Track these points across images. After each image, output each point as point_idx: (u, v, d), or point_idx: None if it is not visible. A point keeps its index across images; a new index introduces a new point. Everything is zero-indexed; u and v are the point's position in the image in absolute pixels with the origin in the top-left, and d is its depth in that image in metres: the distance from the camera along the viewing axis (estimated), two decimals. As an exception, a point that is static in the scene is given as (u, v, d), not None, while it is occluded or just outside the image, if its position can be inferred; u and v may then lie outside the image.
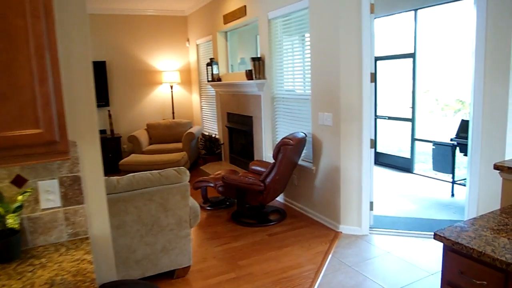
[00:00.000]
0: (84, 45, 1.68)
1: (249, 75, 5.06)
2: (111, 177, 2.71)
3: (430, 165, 7.70)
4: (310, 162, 4.32)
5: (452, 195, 5.25)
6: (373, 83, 3.72)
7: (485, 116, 3.36)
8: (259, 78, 4.98)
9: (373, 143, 3.79)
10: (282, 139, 3.89)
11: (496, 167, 2.00)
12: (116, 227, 2.66)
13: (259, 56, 5.04)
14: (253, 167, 4.68)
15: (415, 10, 6.05)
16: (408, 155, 6.81)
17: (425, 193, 5.43)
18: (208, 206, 4.76)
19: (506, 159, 3.36)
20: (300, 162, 4.39)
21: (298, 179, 4.51)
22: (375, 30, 3.69)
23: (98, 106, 7.09)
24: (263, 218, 4.23)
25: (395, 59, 6.83)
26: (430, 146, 8.30)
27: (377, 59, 6.40)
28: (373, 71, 3.70)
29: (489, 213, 1.83)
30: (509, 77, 3.24)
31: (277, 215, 4.38)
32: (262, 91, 5.05)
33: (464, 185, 5.47)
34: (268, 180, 3.91)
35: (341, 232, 3.89)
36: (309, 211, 4.37)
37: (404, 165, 6.65)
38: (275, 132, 5.05)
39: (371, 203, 3.90)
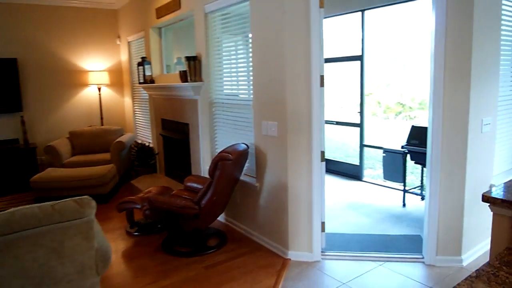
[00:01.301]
0: None
1: (183, 76, 4.42)
2: (-20, 216, 1.97)
3: (378, 171, 7.48)
4: (253, 177, 3.77)
5: (404, 205, 4.95)
6: (323, 88, 3.25)
7: (446, 123, 3.00)
8: (195, 80, 4.36)
9: (324, 156, 3.32)
10: (220, 152, 3.30)
11: (485, 199, 1.55)
12: (-14, 285, 1.93)
13: (194, 55, 4.42)
14: (189, 184, 4.05)
15: (362, 10, 5.73)
16: (357, 162, 6.51)
17: (376, 203, 5.09)
18: (135, 232, 4.05)
19: (467, 169, 3.03)
20: (242, 177, 3.82)
21: (240, 197, 3.95)
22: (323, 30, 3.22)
23: (7, 111, 6.10)
24: (200, 245, 3.61)
25: (342, 62, 6.49)
26: (376, 151, 8.13)
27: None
28: (323, 74, 3.23)
29: (486, 266, 1.36)
30: (470, 83, 2.90)
31: (216, 240, 3.78)
32: (199, 95, 4.43)
33: (416, 194, 5.22)
34: (203, 201, 3.30)
35: (290, 259, 3.37)
36: (253, 233, 3.81)
37: (353, 172, 6.33)
38: (213, 142, 4.45)
39: (323, 224, 3.42)
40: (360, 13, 5.78)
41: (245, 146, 3.56)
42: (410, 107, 16.06)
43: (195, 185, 3.99)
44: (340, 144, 10.12)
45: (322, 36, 3.18)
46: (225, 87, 4.24)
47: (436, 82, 2.96)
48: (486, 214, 3.48)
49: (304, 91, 3.17)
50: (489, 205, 1.57)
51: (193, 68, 4.31)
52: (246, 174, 3.92)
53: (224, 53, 4.16)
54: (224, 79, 4.21)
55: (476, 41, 2.86)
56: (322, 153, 3.30)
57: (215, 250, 3.57)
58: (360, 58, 5.71)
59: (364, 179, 6.23)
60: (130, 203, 3.93)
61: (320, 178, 3.32)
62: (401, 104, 16.26)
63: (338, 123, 6.85)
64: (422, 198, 5.15)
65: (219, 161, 3.20)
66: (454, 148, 3.00)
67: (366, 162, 6.81)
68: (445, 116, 2.97)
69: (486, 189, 3.34)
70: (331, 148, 9.60)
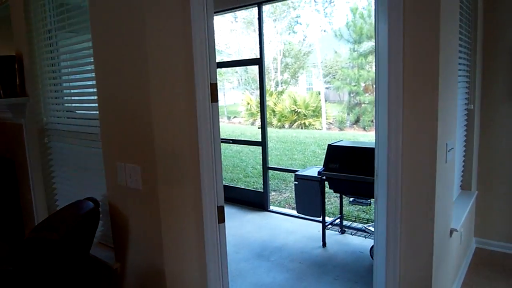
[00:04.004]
0: None
1: (-8, 89, 2.77)
2: None
3: (284, 194, 6.51)
4: (110, 248, 2.33)
5: (324, 244, 3.95)
6: (217, 103, 1.99)
7: (406, 155, 1.98)
8: (14, 95, 2.75)
9: (223, 214, 2.06)
10: (36, 227, 1.82)
11: None
12: None
13: (12, 54, 2.81)
14: None
15: (259, 3, 4.66)
16: (260, 187, 5.42)
17: (290, 244, 4.01)
18: None
19: (436, 215, 2.04)
20: (93, 249, 2.36)
21: (93, 283, 2.46)
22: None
23: None
24: None
25: (236, 67, 5.36)
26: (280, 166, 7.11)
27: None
28: (216, 81, 1.98)
29: None
30: (437, 97, 1.92)
31: None
32: (24, 117, 2.83)
33: (337, 231, 4.26)
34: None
35: None
36: None
37: (256, 201, 5.20)
38: (52, 192, 2.88)
39: (228, 320, 2.15)
40: (256, 7, 4.70)
41: (91, 206, 2.11)
42: (305, 115, 15.86)
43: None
44: (237, 161, 8.99)
45: (210, 24, 1.92)
46: (66, 105, 2.73)
47: (392, 98, 1.91)
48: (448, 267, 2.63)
49: (184, 111, 1.87)
50: None
51: (8, 76, 2.70)
52: (101, 243, 2.47)
53: (62, 56, 2.65)
54: (65, 91, 2.70)
55: (443, 43, 1.90)
56: (221, 209, 2.03)
57: None
58: (259, 61, 4.61)
59: (270, 208, 5.15)
60: None
61: (219, 250, 2.05)
62: (296, 112, 15.97)
63: (234, 141, 5.68)
64: (342, 232, 4.22)
65: (30, 247, 1.71)
66: (418, 189, 1.98)
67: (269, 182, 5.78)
68: (406, 143, 1.94)
69: (447, 236, 2.42)
70: (227, 167, 8.42)
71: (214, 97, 1.94)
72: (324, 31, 20.96)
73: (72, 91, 2.63)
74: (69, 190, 2.68)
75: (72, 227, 1.89)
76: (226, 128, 15.23)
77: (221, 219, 2.04)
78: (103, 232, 2.44)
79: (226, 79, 19.62)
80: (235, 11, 5.25)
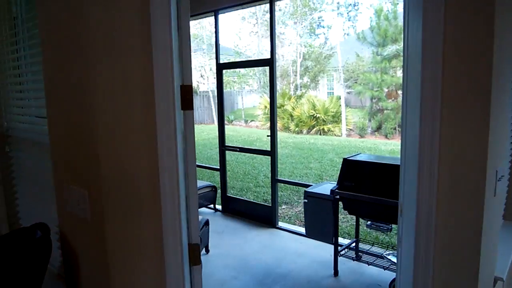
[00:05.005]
0: None
1: None
2: None
3: (295, 208, 6.00)
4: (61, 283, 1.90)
5: (336, 273, 3.44)
6: (191, 112, 1.53)
7: (442, 184, 1.46)
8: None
9: (197, 255, 1.59)
10: None
11: None
12: None
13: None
14: None
15: (271, 0, 4.19)
16: (268, 202, 4.94)
17: (297, 270, 3.53)
18: None
19: (481, 265, 1.53)
20: (48, 284, 1.93)
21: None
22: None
23: None
24: None
25: (245, 68, 4.90)
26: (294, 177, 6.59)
27: (223, 66, 4.37)
28: (191, 83, 1.52)
29: None
30: (489, 114, 1.40)
31: None
32: (-16, 121, 2.44)
33: (352, 257, 3.74)
34: None
35: None
36: None
37: (263, 215, 4.72)
38: (14, 207, 2.48)
39: None
40: (267, 3, 4.24)
41: (39, 235, 1.68)
42: (324, 120, 15.28)
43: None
44: (249, 168, 8.52)
45: (187, 16, 1.47)
46: (33, 109, 2.32)
47: (426, 108, 1.41)
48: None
49: (142, 122, 1.41)
50: None
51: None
52: (61, 276, 2.04)
53: (31, 43, 2.25)
54: (29, 92, 2.30)
55: (498, 39, 1.39)
56: (194, 247, 1.57)
57: None
58: (269, 62, 4.13)
59: (278, 224, 4.66)
60: None
61: (192, 301, 1.58)
62: (315, 117, 15.39)
63: (242, 149, 5.21)
64: (357, 258, 3.70)
65: None
66: (457, 231, 1.47)
67: (280, 193, 5.29)
68: (442, 169, 1.43)
69: (490, 287, 1.88)
70: (237, 175, 7.95)
71: (187, 103, 1.47)
72: (347, 34, 20.35)
73: (33, 92, 2.22)
74: (33, 208, 2.27)
75: (10, 263, 1.47)
76: (242, 132, 14.81)
77: (195, 260, 1.57)
78: (62, 262, 2.01)
79: (244, 82, 19.23)
80: (247, 7, 4.81)
